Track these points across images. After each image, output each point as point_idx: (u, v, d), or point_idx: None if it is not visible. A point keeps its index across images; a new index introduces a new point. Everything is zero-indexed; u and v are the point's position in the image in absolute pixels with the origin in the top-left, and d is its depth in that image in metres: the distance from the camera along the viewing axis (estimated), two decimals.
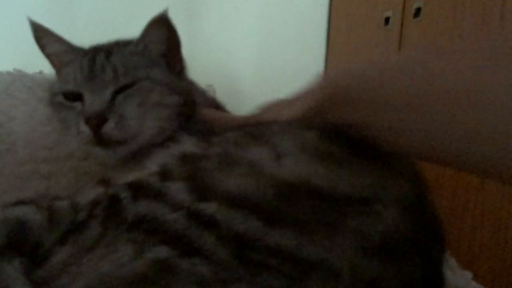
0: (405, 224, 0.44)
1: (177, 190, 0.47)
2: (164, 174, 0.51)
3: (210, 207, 0.44)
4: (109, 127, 0.60)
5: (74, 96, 0.64)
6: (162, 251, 0.42)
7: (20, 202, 0.56)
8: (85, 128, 0.60)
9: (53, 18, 1.15)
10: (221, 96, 0.83)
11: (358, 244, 0.41)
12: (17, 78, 0.84)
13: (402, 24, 1.59)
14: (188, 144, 0.58)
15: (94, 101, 0.62)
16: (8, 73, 0.86)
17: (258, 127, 0.56)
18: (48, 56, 0.70)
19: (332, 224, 0.42)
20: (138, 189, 0.50)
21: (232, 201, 0.44)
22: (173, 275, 0.39)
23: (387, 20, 1.69)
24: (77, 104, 0.63)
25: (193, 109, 0.69)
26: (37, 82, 0.84)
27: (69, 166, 0.73)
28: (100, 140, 0.60)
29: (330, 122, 0.53)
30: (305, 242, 0.41)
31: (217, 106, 0.79)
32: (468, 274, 0.62)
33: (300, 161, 0.48)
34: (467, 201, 1.25)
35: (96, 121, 0.59)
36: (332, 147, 0.51)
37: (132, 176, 0.55)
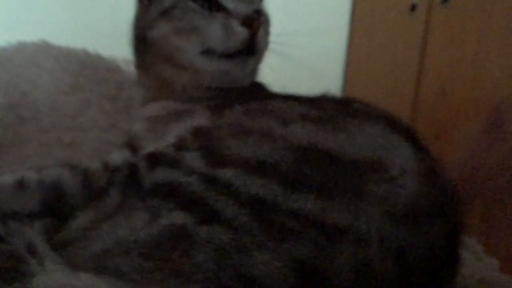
0: (421, 188, 0.44)
1: (191, 158, 0.47)
2: (179, 146, 0.51)
3: (226, 173, 0.44)
4: (261, 33, 0.63)
5: (212, 5, 0.64)
6: (178, 217, 0.41)
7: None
8: (241, 29, 0.61)
9: None
10: None
11: (384, 211, 0.41)
12: (42, 48, 0.85)
13: (429, 11, 1.56)
14: (201, 118, 0.58)
15: (246, 8, 0.63)
16: (33, 43, 0.86)
17: (259, 103, 0.57)
18: None
19: (354, 190, 0.42)
20: (154, 159, 0.50)
21: (249, 167, 0.44)
22: (191, 242, 0.39)
23: (413, 6, 1.65)
24: (218, 14, 0.63)
25: None
26: (62, 52, 0.84)
27: (92, 135, 0.74)
28: (252, 44, 0.62)
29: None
30: (330, 207, 0.40)
31: None
32: (495, 263, 0.61)
33: (304, 128, 0.48)
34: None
35: (256, 22, 0.61)
36: (324, 113, 0.52)
37: (150, 148, 0.55)
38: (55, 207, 0.54)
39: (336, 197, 0.41)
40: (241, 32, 0.60)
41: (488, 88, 1.30)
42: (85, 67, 0.83)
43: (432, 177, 0.47)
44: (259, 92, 0.72)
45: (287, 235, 0.39)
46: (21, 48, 0.83)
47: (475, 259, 0.60)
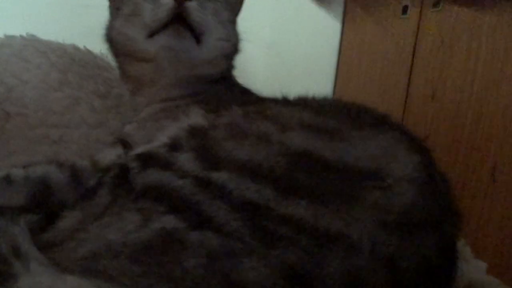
0: (418, 199, 0.43)
1: (185, 159, 0.46)
2: (173, 146, 0.50)
3: (220, 176, 0.43)
4: (192, 5, 0.64)
5: None
6: (169, 221, 0.41)
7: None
8: (166, 0, 0.63)
9: None
10: None
11: (377, 219, 0.40)
12: (30, 42, 0.83)
13: (420, 14, 1.56)
14: (196, 117, 0.57)
15: None
16: (21, 37, 0.84)
17: (259, 105, 0.56)
18: None
19: (348, 197, 0.41)
20: (147, 160, 0.49)
21: (244, 170, 0.43)
22: (182, 247, 0.38)
23: (405, 8, 1.65)
24: None
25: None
26: (51, 47, 0.82)
27: (80, 132, 0.72)
28: (179, 15, 0.63)
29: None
30: (322, 213, 0.39)
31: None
32: (483, 265, 0.61)
33: (302, 135, 0.48)
34: (476, 195, 1.24)
35: None
36: (329, 122, 0.51)
37: (142, 148, 0.54)
38: (42, 201, 0.53)
39: (328, 203, 0.40)
40: (167, 3, 0.63)
41: (477, 92, 1.31)
42: (74, 63, 0.82)
43: (432, 188, 0.46)
44: (254, 96, 0.72)
45: (278, 241, 0.38)
46: (8, 42, 0.81)
47: (463, 261, 0.60)
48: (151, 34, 0.66)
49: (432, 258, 0.42)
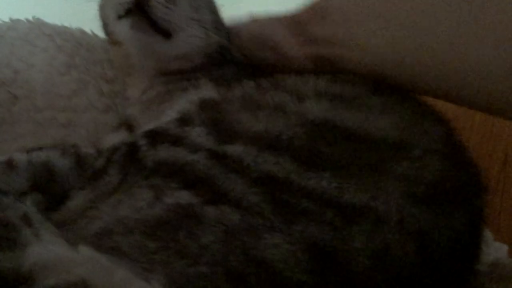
0: (447, 171, 0.42)
1: (197, 133, 0.45)
2: (183, 120, 0.49)
3: (236, 149, 0.41)
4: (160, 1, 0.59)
5: None
6: (183, 197, 0.39)
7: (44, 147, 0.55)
8: None
9: None
10: None
11: (405, 191, 0.38)
12: (36, 26, 0.81)
13: None
14: (207, 90, 0.55)
15: None
16: (27, 20, 0.83)
17: (270, 77, 0.54)
18: None
19: (373, 168, 0.39)
20: (156, 136, 0.48)
21: (261, 142, 0.41)
22: (198, 222, 0.37)
23: None
24: None
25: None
26: (57, 30, 0.81)
27: (88, 116, 0.71)
28: (144, 5, 0.58)
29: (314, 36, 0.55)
30: (346, 186, 0.38)
31: None
32: (504, 247, 0.59)
33: (321, 104, 0.46)
34: (488, 182, 1.23)
35: None
36: (345, 88, 0.49)
37: (151, 125, 0.53)
38: (44, 186, 0.51)
39: (353, 175, 0.39)
40: None
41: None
42: (81, 46, 0.80)
43: (458, 160, 0.45)
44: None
45: (300, 216, 0.36)
46: (14, 26, 0.80)
47: (484, 245, 0.58)
48: (119, 17, 0.62)
49: (461, 233, 0.40)
